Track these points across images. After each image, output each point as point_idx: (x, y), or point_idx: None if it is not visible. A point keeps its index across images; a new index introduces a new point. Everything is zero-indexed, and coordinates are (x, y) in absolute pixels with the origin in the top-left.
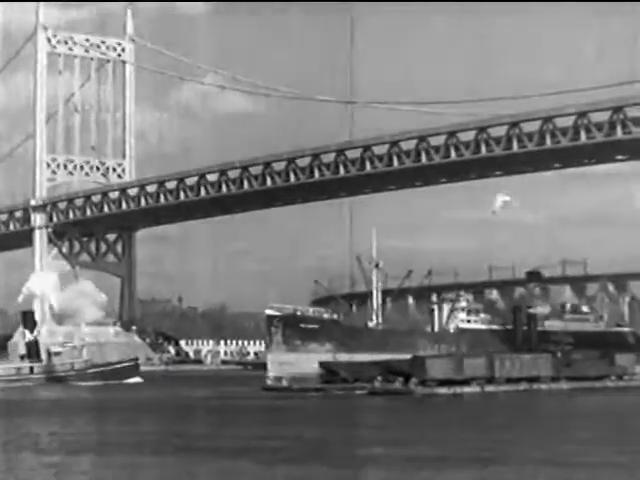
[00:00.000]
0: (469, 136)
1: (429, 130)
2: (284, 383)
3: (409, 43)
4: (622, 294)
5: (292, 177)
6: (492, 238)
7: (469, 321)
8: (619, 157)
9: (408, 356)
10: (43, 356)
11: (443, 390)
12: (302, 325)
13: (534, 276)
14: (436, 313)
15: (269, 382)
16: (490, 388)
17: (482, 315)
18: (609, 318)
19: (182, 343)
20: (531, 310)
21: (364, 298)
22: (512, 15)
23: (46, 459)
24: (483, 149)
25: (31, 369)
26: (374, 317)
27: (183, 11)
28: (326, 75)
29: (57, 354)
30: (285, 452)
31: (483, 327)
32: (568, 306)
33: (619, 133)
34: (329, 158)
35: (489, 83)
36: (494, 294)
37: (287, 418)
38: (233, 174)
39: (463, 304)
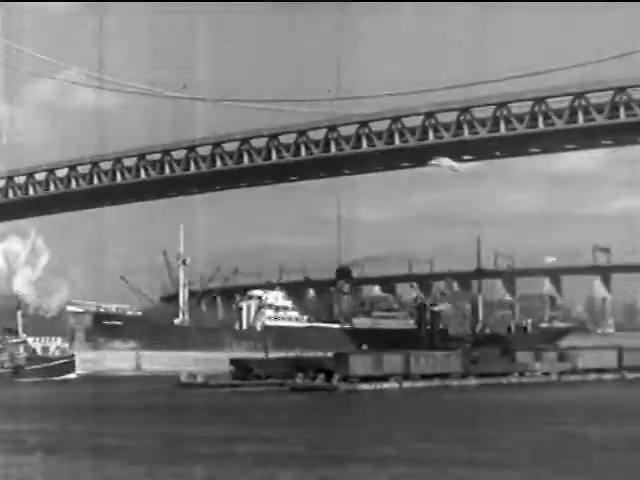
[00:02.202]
0: (319, 135)
1: (280, 128)
2: (199, 379)
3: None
4: (466, 292)
5: (143, 173)
6: (341, 236)
7: (276, 318)
8: (465, 157)
9: (255, 354)
10: None
11: (365, 386)
12: (105, 322)
13: (344, 273)
14: (244, 311)
15: (183, 379)
16: (407, 384)
17: (290, 313)
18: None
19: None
20: (435, 308)
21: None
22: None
23: None
24: (333, 148)
25: None
26: (180, 314)
27: (35, 7)
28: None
29: None
30: (149, 451)
31: (291, 324)
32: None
33: (466, 133)
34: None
35: (348, 80)
36: (310, 293)
37: (187, 416)
38: (83, 170)
39: (270, 302)
